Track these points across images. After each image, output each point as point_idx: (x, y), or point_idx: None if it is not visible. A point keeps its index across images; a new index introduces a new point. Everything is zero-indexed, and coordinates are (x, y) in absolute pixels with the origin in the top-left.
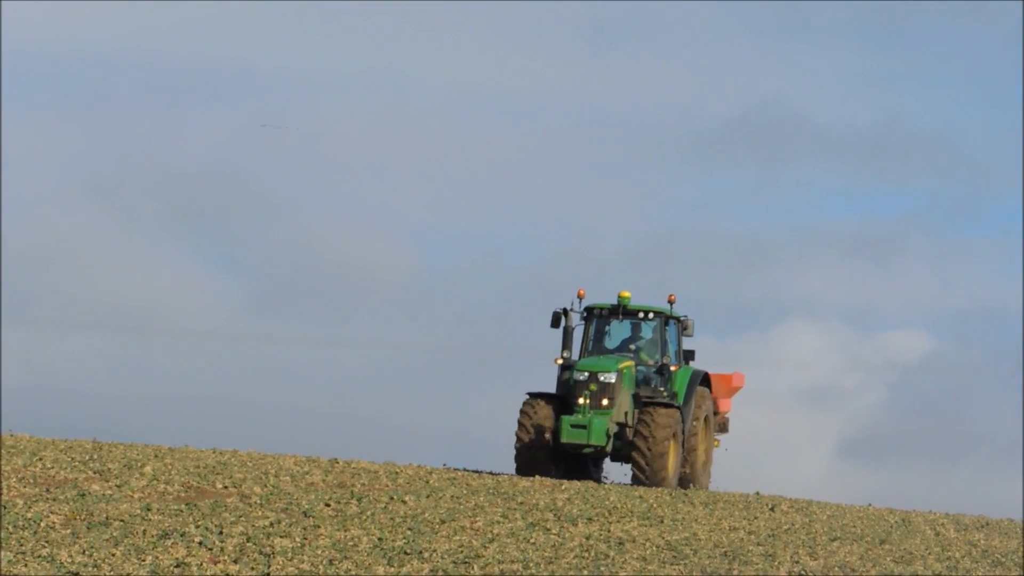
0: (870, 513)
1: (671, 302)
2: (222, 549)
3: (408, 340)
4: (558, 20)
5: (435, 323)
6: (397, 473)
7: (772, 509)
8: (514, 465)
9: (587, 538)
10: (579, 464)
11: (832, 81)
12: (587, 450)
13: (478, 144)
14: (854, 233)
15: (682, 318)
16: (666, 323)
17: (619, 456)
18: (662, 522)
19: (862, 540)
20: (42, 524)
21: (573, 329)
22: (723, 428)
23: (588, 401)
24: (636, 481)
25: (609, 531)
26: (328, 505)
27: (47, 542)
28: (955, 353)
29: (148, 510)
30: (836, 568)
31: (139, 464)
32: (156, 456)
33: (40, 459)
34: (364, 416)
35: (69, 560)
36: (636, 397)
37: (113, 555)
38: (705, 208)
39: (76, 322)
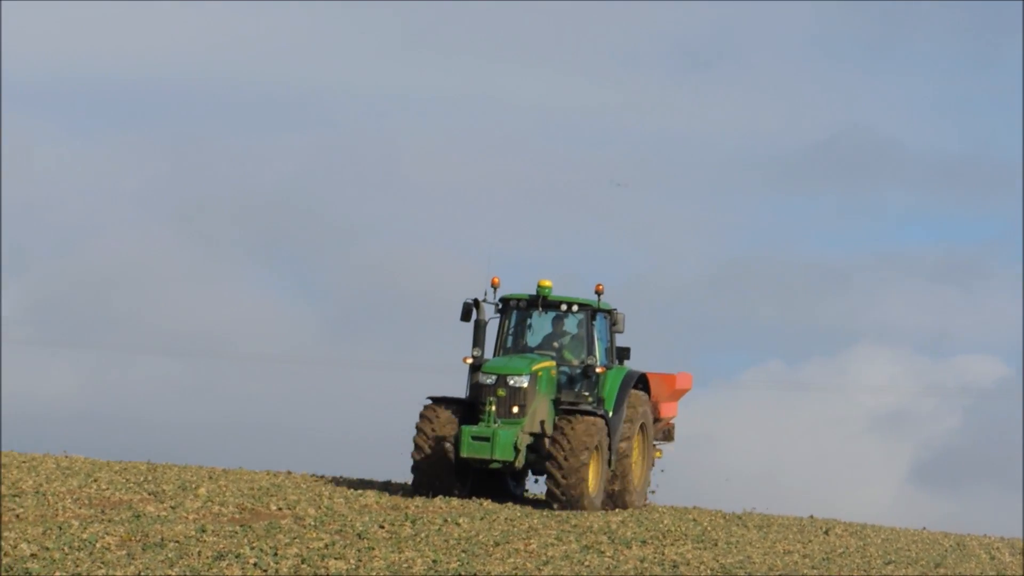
0: (925, 537)
1: (599, 292)
2: (277, 571)
3: None
4: (651, 45)
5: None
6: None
7: (826, 532)
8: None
9: (641, 561)
10: (492, 480)
11: (918, 108)
12: (494, 465)
13: (557, 168)
14: (935, 259)
15: (612, 311)
16: (593, 317)
17: (538, 471)
18: (716, 545)
19: (917, 564)
20: (97, 545)
21: (486, 323)
22: (668, 436)
23: (495, 408)
24: (552, 499)
25: (663, 554)
26: (382, 527)
27: (103, 563)
28: None
29: (203, 531)
30: None
31: (194, 486)
32: (210, 478)
33: (95, 480)
34: None
35: None
36: (557, 403)
37: None
38: (785, 233)
39: (147, 346)
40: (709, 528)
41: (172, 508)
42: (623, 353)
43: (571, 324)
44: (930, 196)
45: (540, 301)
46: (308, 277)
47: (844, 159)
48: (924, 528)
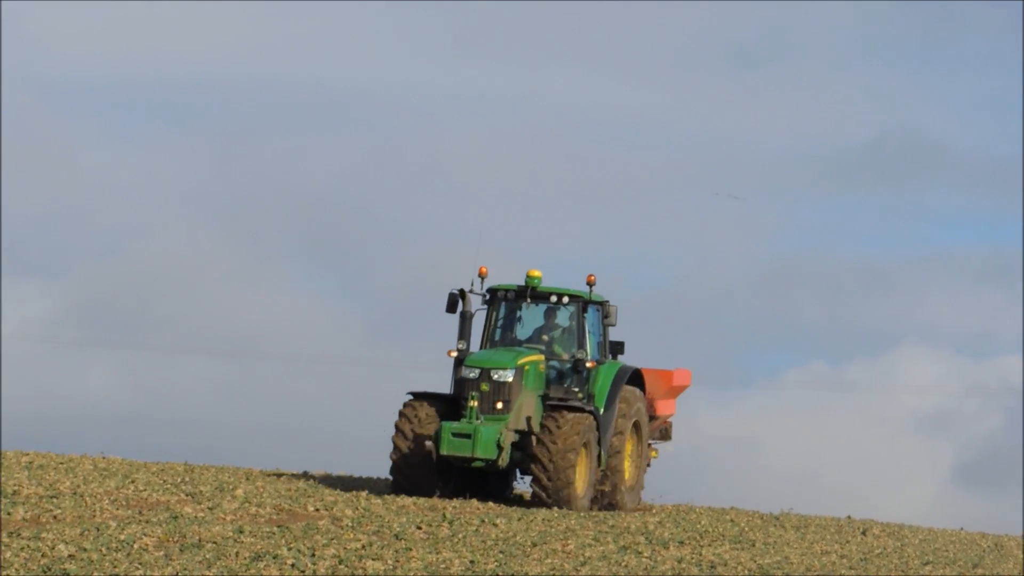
0: (962, 537)
1: (590, 283)
2: (314, 572)
3: None
4: (700, 45)
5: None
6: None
7: (864, 533)
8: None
9: (679, 561)
10: (477, 479)
11: (964, 108)
12: (476, 464)
13: (605, 168)
14: (980, 260)
15: (604, 303)
16: (584, 309)
17: (526, 470)
18: (754, 546)
19: (954, 564)
20: (135, 546)
21: (472, 315)
22: (665, 435)
23: (477, 404)
24: (537, 500)
25: (701, 555)
26: (420, 528)
27: (140, 564)
28: None
29: (240, 532)
30: None
31: (231, 487)
32: (247, 479)
33: (132, 481)
34: None
35: None
36: (545, 399)
37: None
38: (830, 234)
39: (190, 347)
40: (747, 529)
41: (210, 509)
42: (616, 347)
43: (562, 317)
44: (975, 197)
45: (529, 292)
46: (352, 278)
47: (890, 160)
48: (962, 528)
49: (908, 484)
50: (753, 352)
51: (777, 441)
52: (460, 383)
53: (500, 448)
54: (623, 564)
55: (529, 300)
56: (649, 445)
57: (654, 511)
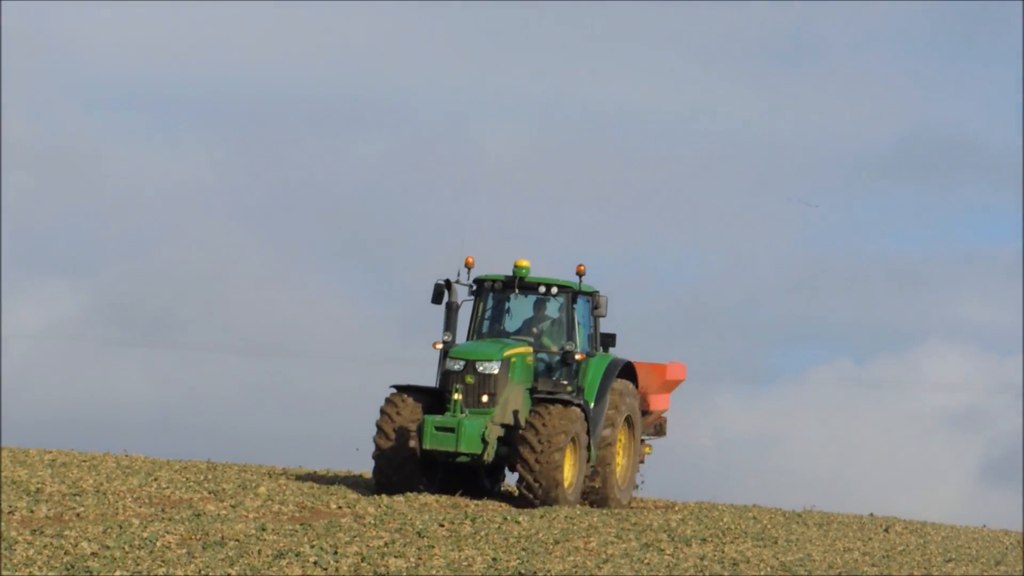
0: (985, 534)
1: (580, 274)
2: (337, 569)
3: None
4: (731, 43)
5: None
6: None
7: (886, 530)
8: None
9: (701, 559)
10: (462, 475)
11: (997, 105)
12: (461, 459)
13: (631, 166)
14: (1009, 257)
15: (594, 293)
16: (574, 300)
17: (512, 466)
18: (776, 543)
19: (977, 562)
20: (158, 544)
21: (459, 306)
22: (659, 431)
23: (462, 397)
24: (524, 498)
25: (723, 552)
26: (442, 525)
27: (163, 562)
28: None
29: (263, 530)
30: None
31: (253, 484)
32: (270, 476)
33: (155, 479)
34: None
35: None
36: (533, 392)
37: (229, 575)
38: (859, 230)
39: (218, 345)
40: (769, 526)
41: (232, 507)
42: (608, 339)
43: (552, 308)
44: (1006, 194)
45: (516, 282)
46: (382, 277)
47: (921, 157)
48: (984, 526)
49: (933, 482)
50: (778, 349)
51: (802, 439)
52: (445, 376)
53: (485, 443)
54: (645, 562)
55: (517, 291)
56: (643, 441)
57: (676, 508)
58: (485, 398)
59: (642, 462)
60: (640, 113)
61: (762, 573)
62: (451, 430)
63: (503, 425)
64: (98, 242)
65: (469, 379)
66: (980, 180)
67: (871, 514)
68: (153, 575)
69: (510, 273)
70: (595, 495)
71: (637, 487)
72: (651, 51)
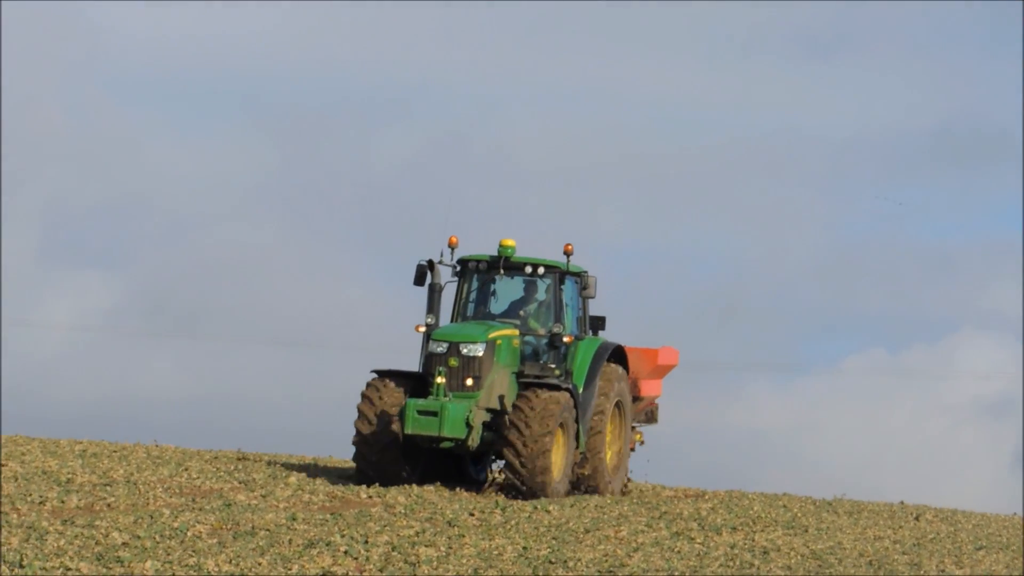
0: (1016, 522)
1: (568, 253)
2: (367, 558)
3: None
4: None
5: (619, 336)
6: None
7: (917, 518)
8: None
9: (731, 547)
10: (447, 462)
11: None
12: (445, 444)
13: (667, 155)
14: None
15: (582, 274)
16: (561, 281)
17: (498, 452)
18: (806, 531)
19: (1008, 549)
20: (188, 534)
21: (442, 287)
22: (651, 418)
23: (445, 380)
24: (510, 486)
25: (753, 540)
26: (472, 514)
27: (194, 551)
28: None
29: (294, 520)
30: None
31: (284, 474)
32: (300, 466)
33: (186, 469)
34: None
35: (216, 569)
36: (520, 376)
37: (259, 564)
38: (894, 220)
39: (251, 336)
40: (799, 514)
41: (263, 497)
42: (597, 322)
43: (539, 289)
44: None
45: (502, 262)
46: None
47: (956, 147)
48: (1016, 514)
49: (966, 470)
50: (813, 339)
51: (835, 428)
52: (428, 359)
53: (470, 427)
54: (676, 550)
55: (502, 271)
56: (634, 428)
57: (706, 497)
58: (469, 381)
59: (633, 450)
60: (675, 102)
61: (793, 561)
62: (434, 414)
63: (488, 410)
64: (131, 234)
65: (453, 362)
66: (1014, 169)
67: (901, 502)
68: (184, 564)
69: (495, 253)
70: (584, 483)
71: (629, 479)
72: (688, 42)
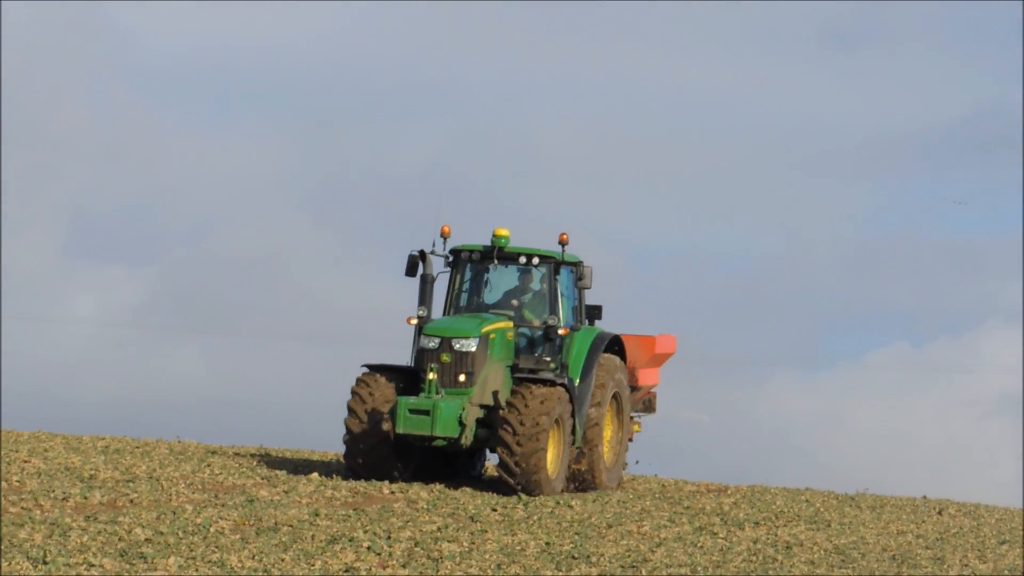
0: None
1: (563, 243)
2: (390, 554)
3: None
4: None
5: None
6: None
7: (940, 513)
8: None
9: (754, 542)
10: (440, 459)
11: None
12: (437, 443)
13: (692, 149)
14: None
15: (578, 264)
16: (556, 271)
17: (493, 449)
18: (829, 526)
19: None
20: (211, 530)
21: (434, 278)
22: (648, 407)
23: (437, 377)
24: (504, 486)
25: (776, 535)
26: (495, 510)
27: (217, 547)
28: None
29: (316, 515)
30: (1006, 571)
31: (306, 470)
32: (323, 462)
33: (208, 465)
34: None
35: (239, 565)
36: (514, 370)
37: (282, 560)
38: (919, 212)
39: (276, 332)
40: (822, 509)
41: (285, 492)
42: (593, 312)
43: (534, 280)
44: None
45: (495, 253)
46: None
47: (981, 138)
48: None
49: (990, 465)
50: (837, 333)
51: (859, 422)
52: (419, 354)
53: (463, 425)
54: (698, 545)
55: (496, 261)
56: (631, 418)
57: (729, 492)
58: (462, 377)
59: (631, 440)
60: (699, 95)
61: (816, 556)
62: (426, 412)
63: (482, 406)
64: (157, 229)
65: (445, 357)
66: None
67: (924, 497)
68: (208, 560)
69: (488, 243)
70: (581, 478)
71: (626, 466)
72: (713, 38)
